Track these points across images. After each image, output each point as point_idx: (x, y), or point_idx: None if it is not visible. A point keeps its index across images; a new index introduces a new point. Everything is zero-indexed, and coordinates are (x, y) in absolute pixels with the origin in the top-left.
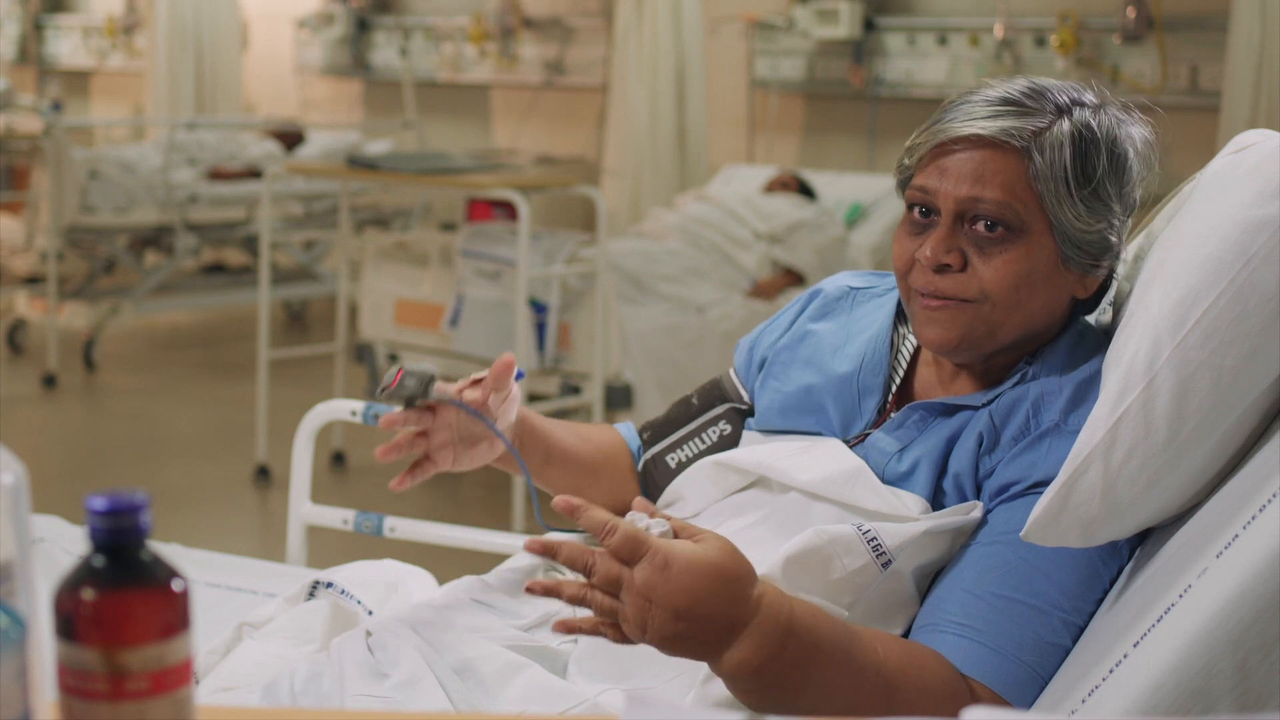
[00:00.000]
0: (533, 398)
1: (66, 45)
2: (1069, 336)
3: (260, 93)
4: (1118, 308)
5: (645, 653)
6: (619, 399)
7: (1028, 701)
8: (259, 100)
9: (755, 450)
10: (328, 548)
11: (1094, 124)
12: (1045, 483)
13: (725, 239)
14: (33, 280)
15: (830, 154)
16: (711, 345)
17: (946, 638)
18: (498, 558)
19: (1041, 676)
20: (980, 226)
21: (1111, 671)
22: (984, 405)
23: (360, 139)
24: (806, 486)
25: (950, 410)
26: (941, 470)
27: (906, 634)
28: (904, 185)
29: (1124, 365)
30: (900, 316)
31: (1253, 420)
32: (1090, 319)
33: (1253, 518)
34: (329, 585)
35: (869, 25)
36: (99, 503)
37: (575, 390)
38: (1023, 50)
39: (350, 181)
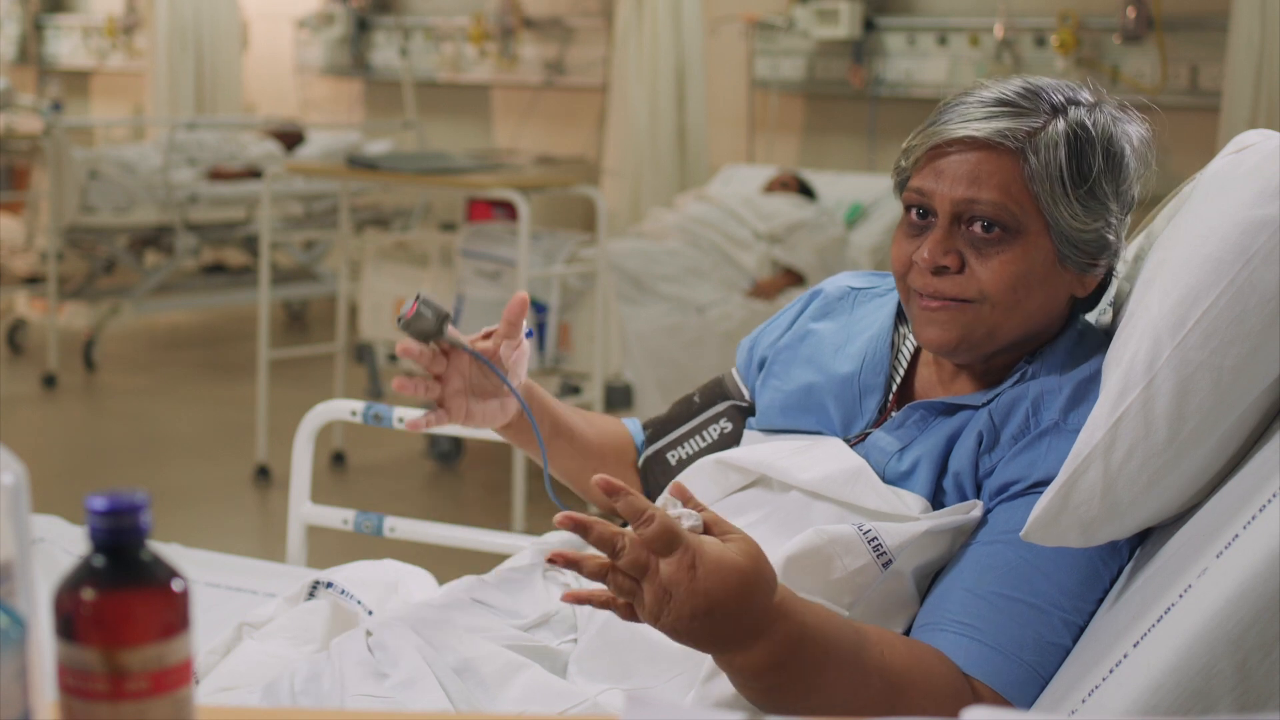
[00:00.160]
0: None
1: (66, 45)
2: (1069, 336)
3: (260, 93)
4: (1118, 308)
5: (645, 652)
6: (619, 399)
7: (1028, 701)
8: (259, 100)
9: (756, 449)
10: (328, 548)
11: (1089, 123)
12: (1045, 482)
13: (725, 239)
14: (33, 280)
15: (830, 154)
16: (711, 345)
17: (948, 636)
18: (498, 558)
19: (1042, 676)
20: (977, 228)
21: (1111, 671)
22: (984, 404)
23: (360, 139)
24: (807, 486)
25: (951, 410)
26: (942, 469)
27: (907, 633)
28: (901, 187)
29: (1124, 365)
30: (901, 316)
31: (1253, 420)
32: (1090, 318)
33: (1253, 518)
34: (329, 585)
35: (869, 25)
36: (99, 503)
37: (575, 390)
38: (1023, 50)
39: (350, 181)
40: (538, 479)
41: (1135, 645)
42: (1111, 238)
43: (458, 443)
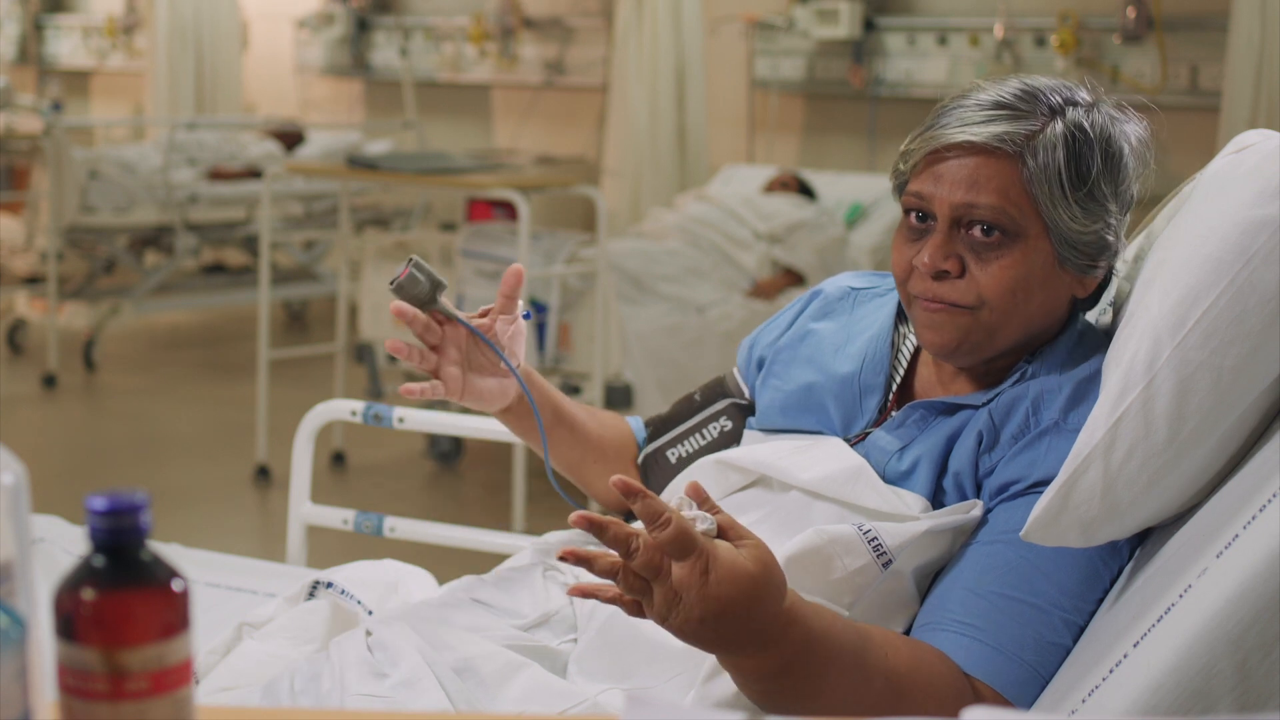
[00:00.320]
0: None
1: (66, 45)
2: (1069, 336)
3: (260, 93)
4: (1118, 308)
5: (645, 652)
6: (619, 399)
7: (1029, 701)
8: (259, 100)
9: (756, 449)
10: (328, 548)
11: (1087, 124)
12: (1045, 482)
13: (725, 239)
14: (33, 280)
15: (830, 154)
16: (711, 345)
17: (949, 636)
18: (498, 558)
19: (1042, 676)
20: (976, 231)
21: (1111, 671)
22: (984, 404)
23: (360, 139)
24: (807, 485)
25: (951, 409)
26: (942, 469)
27: (907, 633)
28: (900, 190)
29: (1124, 365)
30: (901, 316)
31: (1253, 420)
32: (1090, 318)
33: (1253, 518)
34: (329, 585)
35: (869, 25)
36: (99, 503)
37: (575, 390)
38: (1023, 50)
39: (350, 181)
40: (538, 479)
41: (1135, 645)
42: (1111, 239)
43: (458, 443)
